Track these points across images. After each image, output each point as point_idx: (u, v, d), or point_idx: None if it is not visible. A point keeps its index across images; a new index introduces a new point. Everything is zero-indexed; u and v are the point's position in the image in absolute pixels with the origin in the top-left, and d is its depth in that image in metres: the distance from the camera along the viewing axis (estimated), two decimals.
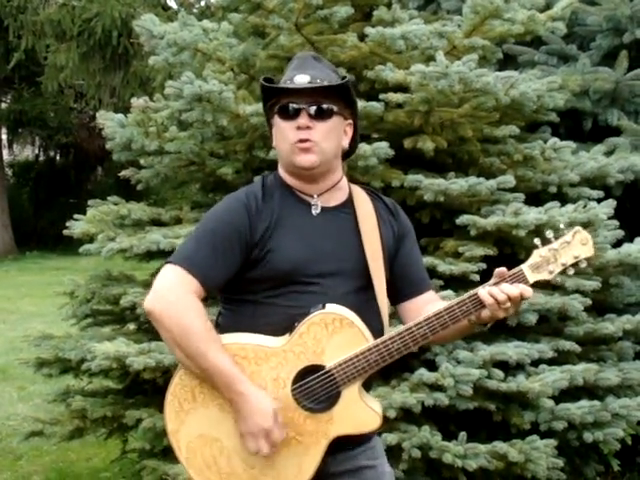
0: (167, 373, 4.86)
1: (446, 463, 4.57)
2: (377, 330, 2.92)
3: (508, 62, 6.52)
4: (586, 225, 5.24)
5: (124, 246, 5.28)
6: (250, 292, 2.94)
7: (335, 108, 2.94)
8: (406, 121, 5.21)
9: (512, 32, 5.55)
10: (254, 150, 5.40)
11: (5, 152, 25.86)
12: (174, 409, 2.92)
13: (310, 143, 2.90)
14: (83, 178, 26.89)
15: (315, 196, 2.99)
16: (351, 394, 2.87)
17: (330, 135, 2.94)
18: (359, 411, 2.89)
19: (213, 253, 2.87)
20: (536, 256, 2.91)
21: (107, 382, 5.67)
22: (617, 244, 5.48)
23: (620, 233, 5.45)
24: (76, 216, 5.76)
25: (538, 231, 5.05)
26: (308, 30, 5.48)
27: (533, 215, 5.04)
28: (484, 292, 2.84)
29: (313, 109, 2.91)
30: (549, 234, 2.92)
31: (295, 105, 2.92)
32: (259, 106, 5.12)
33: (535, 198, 5.50)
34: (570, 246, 2.92)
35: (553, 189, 5.51)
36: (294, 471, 2.88)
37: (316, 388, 2.85)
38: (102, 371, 5.11)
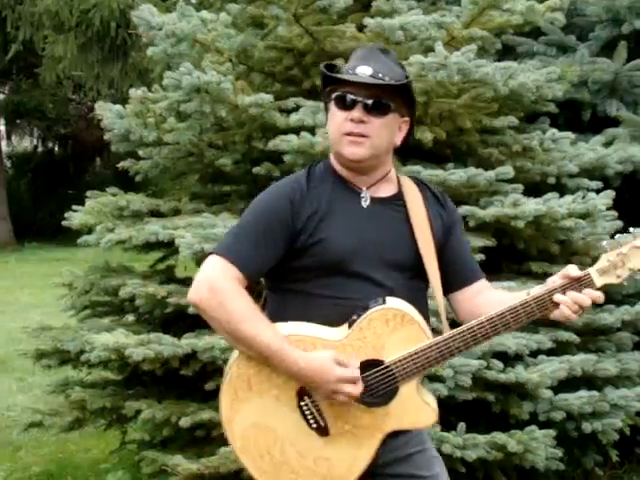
0: (166, 364, 4.88)
1: (445, 454, 4.56)
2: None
3: (507, 53, 6.51)
4: (585, 216, 5.26)
5: (123, 237, 5.28)
6: (299, 281, 2.94)
7: (393, 105, 2.91)
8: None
9: (511, 23, 5.55)
10: (253, 141, 5.39)
11: (3, 143, 25.80)
12: (230, 397, 2.92)
13: (361, 138, 2.88)
14: (81, 169, 26.82)
15: (364, 188, 2.98)
16: (409, 390, 2.88)
17: (383, 131, 2.91)
18: (415, 407, 2.90)
19: (254, 242, 2.88)
20: (604, 260, 2.89)
21: (106, 373, 5.66)
22: (615, 235, 5.48)
23: (619, 224, 5.46)
24: (75, 207, 5.76)
25: (537, 222, 5.08)
26: (307, 21, 5.47)
27: (532, 206, 5.04)
28: (554, 299, 2.83)
29: (370, 103, 2.88)
30: (619, 237, 2.92)
31: (352, 97, 2.89)
32: (258, 97, 5.13)
33: (534, 189, 5.50)
34: (639, 251, 2.90)
35: (552, 180, 5.51)
36: (347, 463, 2.89)
37: (374, 383, 2.86)
38: (101, 362, 5.11)
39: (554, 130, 5.68)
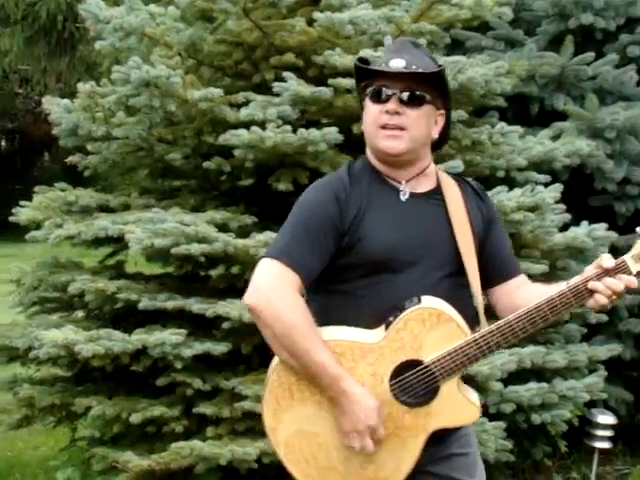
0: (116, 360, 4.84)
1: None
2: (471, 317, 2.90)
3: (456, 47, 6.55)
4: (533, 209, 5.30)
5: (72, 233, 5.23)
6: (342, 281, 2.91)
7: (427, 96, 2.90)
8: (355, 106, 5.18)
9: (459, 17, 5.57)
10: (203, 135, 5.37)
11: None
12: (272, 407, 2.90)
13: (397, 131, 2.86)
14: (29, 164, 26.55)
15: (403, 182, 2.96)
16: (450, 388, 2.85)
17: (419, 123, 2.89)
18: (458, 404, 2.88)
19: (309, 245, 2.84)
20: (639, 245, 2.85)
21: (55, 370, 5.60)
22: (564, 228, 5.54)
23: (567, 217, 5.52)
24: (22, 202, 5.69)
25: None
26: (256, 15, 5.44)
27: None
28: (589, 286, 2.80)
29: (405, 95, 2.86)
30: None
31: (387, 89, 2.87)
32: (207, 91, 5.10)
33: (483, 182, 5.46)
34: None
35: (501, 173, 5.54)
36: (393, 466, 2.87)
37: (414, 383, 2.83)
38: (50, 359, 5.05)
39: (503, 124, 5.72)
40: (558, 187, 5.46)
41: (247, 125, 5.01)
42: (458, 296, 2.89)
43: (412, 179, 2.96)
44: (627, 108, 6.32)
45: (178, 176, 5.85)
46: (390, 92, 2.87)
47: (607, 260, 2.83)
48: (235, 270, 5.27)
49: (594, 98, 6.27)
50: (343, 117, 5.24)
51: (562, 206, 5.52)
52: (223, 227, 5.05)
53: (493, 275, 3.05)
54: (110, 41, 5.60)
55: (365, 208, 2.89)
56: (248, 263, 4.93)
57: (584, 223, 5.52)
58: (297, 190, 5.15)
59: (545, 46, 6.67)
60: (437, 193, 3.00)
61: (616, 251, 5.73)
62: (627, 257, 2.83)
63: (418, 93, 2.88)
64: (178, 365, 4.79)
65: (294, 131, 4.92)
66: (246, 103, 5.21)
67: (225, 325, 4.83)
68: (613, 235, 5.61)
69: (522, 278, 3.10)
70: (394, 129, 2.87)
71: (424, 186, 3.00)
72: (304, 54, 5.43)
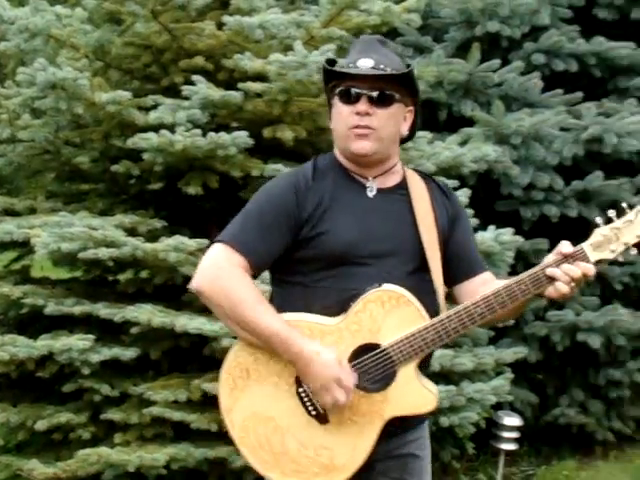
0: (21, 366, 4.77)
1: None
2: (433, 311, 2.87)
3: None
4: None
5: None
6: (303, 273, 2.90)
7: (397, 95, 2.89)
8: (265, 110, 5.20)
9: (369, 23, 5.59)
10: (111, 139, 5.31)
11: None
12: (228, 386, 2.87)
13: (368, 130, 2.86)
14: None
15: (370, 178, 2.95)
16: (407, 374, 2.83)
17: (389, 122, 2.89)
18: (414, 391, 2.85)
19: (259, 230, 2.85)
20: (597, 235, 2.84)
21: None
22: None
23: (475, 222, 5.57)
24: None
25: None
26: (165, 18, 5.41)
27: None
28: (547, 272, 2.80)
29: (375, 95, 2.86)
30: (611, 213, 2.84)
31: (356, 90, 2.86)
32: (116, 94, 5.05)
33: None
34: (633, 225, 2.83)
35: None
36: (348, 452, 2.84)
37: (372, 367, 2.81)
38: None
39: None
40: (466, 192, 5.52)
41: (156, 128, 4.97)
42: (421, 291, 2.88)
43: (379, 176, 2.98)
44: (532, 115, 6.44)
45: (86, 179, 5.78)
46: (360, 92, 2.87)
47: (566, 247, 2.84)
48: (144, 274, 5.23)
49: (500, 104, 6.37)
50: (253, 121, 5.24)
51: (470, 211, 5.58)
52: (132, 231, 5.00)
53: (458, 272, 3.06)
54: (15, 42, 5.50)
55: (329, 203, 2.89)
56: (157, 267, 4.90)
57: (491, 228, 5.59)
58: (207, 194, 5.13)
59: (453, 53, 6.76)
60: (402, 188, 3.01)
61: (522, 256, 5.88)
62: (585, 245, 2.84)
63: (388, 93, 2.88)
64: (85, 371, 4.73)
65: (204, 135, 4.90)
66: (155, 106, 5.17)
67: (134, 330, 4.78)
68: (519, 240, 5.70)
69: (487, 275, 3.09)
70: (364, 129, 2.88)
71: (390, 182, 3.00)
72: (214, 58, 5.41)
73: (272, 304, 2.94)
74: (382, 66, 2.87)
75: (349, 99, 2.88)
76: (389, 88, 2.88)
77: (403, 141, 3.09)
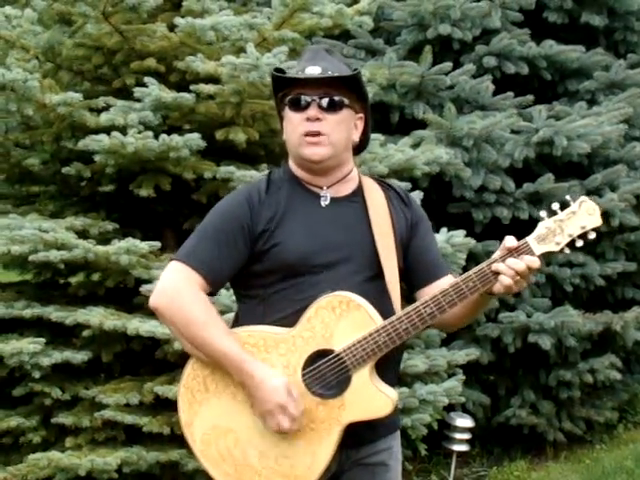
0: None
1: None
2: (389, 317, 2.86)
3: None
4: None
5: None
6: (260, 287, 2.91)
7: (346, 100, 2.91)
8: (217, 112, 5.19)
9: (321, 25, 5.61)
10: (62, 140, 5.27)
11: None
12: (187, 400, 2.88)
13: (319, 137, 2.87)
14: None
15: (325, 187, 2.96)
16: (362, 378, 2.82)
17: (340, 127, 2.90)
18: (371, 396, 2.84)
19: (214, 246, 2.86)
20: (541, 228, 2.85)
21: None
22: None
23: None
24: None
25: None
26: (116, 19, 5.38)
27: None
28: (492, 268, 2.80)
29: (324, 101, 2.87)
30: (555, 205, 2.85)
31: (306, 97, 2.88)
32: (66, 95, 5.01)
33: None
34: (576, 216, 2.83)
35: None
36: (308, 460, 2.83)
37: (326, 373, 2.81)
38: None
39: None
40: (418, 194, 5.53)
41: (108, 130, 4.94)
42: (377, 297, 2.89)
43: (334, 184, 2.98)
44: (484, 117, 6.48)
45: (36, 181, 5.73)
46: (309, 99, 2.89)
47: (510, 241, 2.84)
48: (96, 277, 5.19)
49: (452, 107, 6.40)
50: (205, 123, 5.23)
51: None
52: (83, 233, 4.97)
53: (419, 277, 3.05)
54: None
55: (282, 215, 2.90)
56: (109, 270, 4.88)
57: (443, 230, 5.61)
58: (159, 196, 5.11)
59: (405, 55, 6.79)
60: (357, 196, 3.01)
61: (474, 257, 5.92)
62: (529, 238, 2.85)
63: (337, 98, 2.90)
64: (36, 374, 4.69)
65: (156, 137, 4.88)
66: (106, 108, 5.14)
67: (85, 333, 4.76)
68: (471, 242, 5.72)
69: (449, 278, 3.06)
70: (316, 136, 2.89)
71: (345, 190, 3.01)
72: (165, 59, 5.40)
73: (237, 320, 2.98)
74: (329, 72, 2.89)
75: (299, 106, 2.90)
76: (338, 94, 2.90)
77: (359, 150, 3.11)
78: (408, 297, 3.06)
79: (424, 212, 3.16)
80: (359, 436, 2.90)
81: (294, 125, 2.92)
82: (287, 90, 2.95)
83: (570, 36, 7.23)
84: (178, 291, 2.82)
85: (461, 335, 6.24)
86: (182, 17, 5.28)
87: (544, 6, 7.14)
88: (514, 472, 6.32)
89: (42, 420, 4.87)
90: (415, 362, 5.31)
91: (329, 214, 2.95)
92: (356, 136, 3.01)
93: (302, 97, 2.90)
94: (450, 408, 5.83)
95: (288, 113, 2.94)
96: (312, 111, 2.88)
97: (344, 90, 2.92)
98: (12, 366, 4.67)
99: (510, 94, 6.77)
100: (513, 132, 6.48)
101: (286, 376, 2.81)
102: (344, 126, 2.93)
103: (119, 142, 4.84)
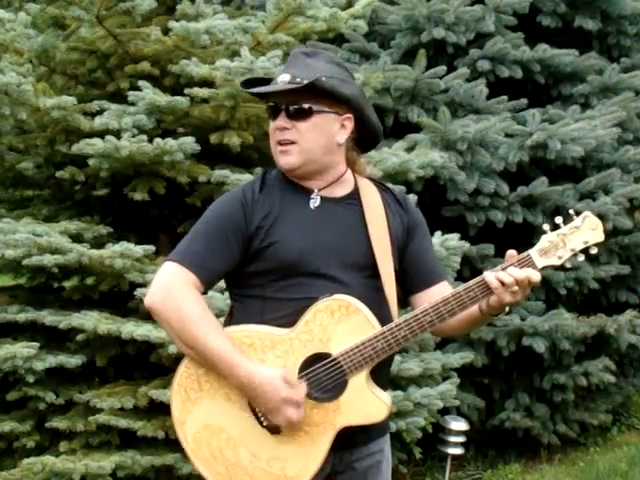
0: None
1: None
2: (386, 320, 2.86)
3: None
4: None
5: None
6: (256, 286, 2.91)
7: (315, 107, 2.88)
8: (212, 116, 5.19)
9: (315, 29, 5.61)
10: (55, 144, 5.27)
11: None
12: (181, 399, 2.88)
13: (289, 146, 2.88)
14: None
15: (316, 190, 2.95)
16: (358, 383, 2.83)
17: (312, 134, 2.88)
18: (366, 401, 2.84)
19: (208, 245, 2.87)
20: (544, 241, 2.85)
21: None
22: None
23: None
24: None
25: None
26: (110, 23, 5.38)
27: None
28: (491, 276, 2.80)
29: (292, 109, 2.87)
30: (558, 219, 2.86)
31: (276, 106, 2.89)
32: (60, 99, 5.01)
33: None
34: (579, 231, 2.85)
35: None
36: (300, 462, 2.84)
37: (322, 377, 2.82)
38: None
39: None
40: (412, 198, 5.54)
41: (102, 134, 4.94)
42: (373, 300, 2.89)
43: (326, 187, 2.97)
44: (478, 121, 6.48)
45: (30, 186, 5.73)
46: (277, 107, 2.90)
47: (512, 254, 2.85)
48: (90, 281, 5.19)
49: (446, 111, 6.40)
50: (200, 127, 5.23)
51: None
52: (77, 237, 4.97)
53: (415, 282, 3.06)
54: None
55: (276, 215, 2.91)
56: (103, 274, 4.87)
57: (437, 233, 5.61)
58: (153, 200, 5.11)
59: (399, 59, 6.79)
60: (353, 198, 3.01)
61: (468, 261, 5.92)
62: (532, 251, 2.85)
63: (305, 105, 2.88)
64: (30, 379, 4.69)
65: (150, 140, 4.88)
66: (100, 112, 5.14)
67: (79, 337, 4.75)
68: (465, 245, 5.73)
69: (444, 286, 3.08)
70: (285, 144, 2.89)
71: (340, 191, 3.00)
72: (160, 63, 5.39)
73: (232, 319, 2.98)
74: (298, 79, 2.86)
75: (272, 115, 2.93)
76: (305, 100, 2.88)
77: (367, 148, 3.09)
78: (403, 302, 3.05)
79: (422, 217, 3.15)
80: (352, 439, 2.90)
81: (271, 133, 2.95)
82: (267, 98, 2.97)
83: (564, 40, 7.24)
84: (173, 290, 2.83)
85: (455, 338, 6.24)
86: (176, 21, 5.28)
87: (538, 10, 7.14)
88: (509, 475, 6.32)
89: (36, 424, 4.86)
90: (410, 365, 5.31)
91: (320, 215, 2.94)
92: (342, 137, 2.96)
93: (273, 106, 2.92)
94: (445, 411, 5.83)
95: (269, 121, 2.97)
96: (280, 120, 2.89)
97: (315, 95, 2.88)
98: (6, 370, 4.66)
99: (504, 98, 6.77)
100: (507, 136, 6.48)
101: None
102: (317, 132, 2.90)
103: (113, 146, 4.84)
